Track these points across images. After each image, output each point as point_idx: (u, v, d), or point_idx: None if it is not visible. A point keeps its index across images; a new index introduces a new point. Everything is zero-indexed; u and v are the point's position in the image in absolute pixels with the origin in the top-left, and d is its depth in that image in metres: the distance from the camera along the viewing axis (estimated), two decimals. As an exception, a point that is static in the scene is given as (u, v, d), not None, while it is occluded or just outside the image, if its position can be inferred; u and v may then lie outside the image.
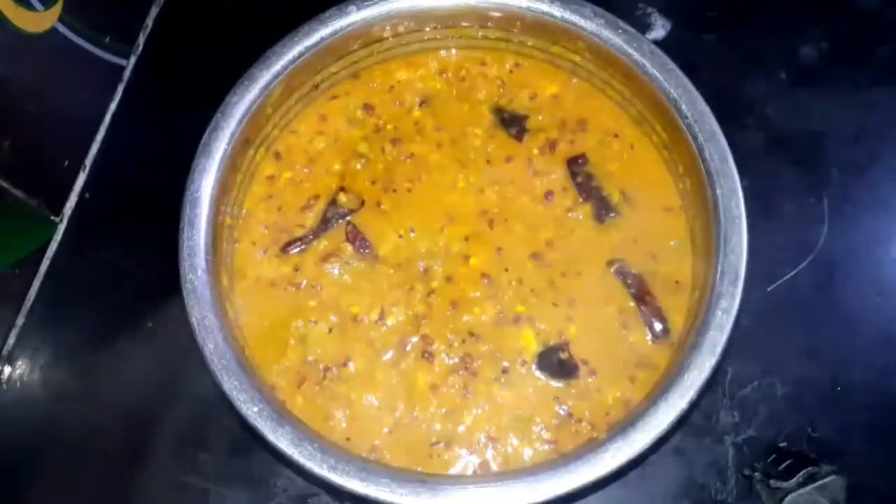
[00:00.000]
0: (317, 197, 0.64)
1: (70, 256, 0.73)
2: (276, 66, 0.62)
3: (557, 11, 0.62)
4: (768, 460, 0.61)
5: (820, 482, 0.58)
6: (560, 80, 0.67)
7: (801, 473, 0.58)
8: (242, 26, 0.77)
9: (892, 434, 0.63)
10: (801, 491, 0.57)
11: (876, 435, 0.63)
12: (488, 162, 0.65)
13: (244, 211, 0.64)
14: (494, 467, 0.57)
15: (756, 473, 0.61)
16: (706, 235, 0.58)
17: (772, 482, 0.59)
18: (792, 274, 0.67)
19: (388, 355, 0.60)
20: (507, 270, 0.62)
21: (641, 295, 0.60)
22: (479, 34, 0.67)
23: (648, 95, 0.61)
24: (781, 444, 0.63)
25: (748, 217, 0.56)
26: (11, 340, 0.71)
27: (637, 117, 0.65)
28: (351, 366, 0.60)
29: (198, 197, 0.59)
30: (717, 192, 0.57)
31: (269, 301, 0.62)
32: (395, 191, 0.64)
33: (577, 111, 0.66)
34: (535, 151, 0.65)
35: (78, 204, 0.75)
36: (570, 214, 0.63)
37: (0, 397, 0.70)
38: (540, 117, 0.66)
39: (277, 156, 0.66)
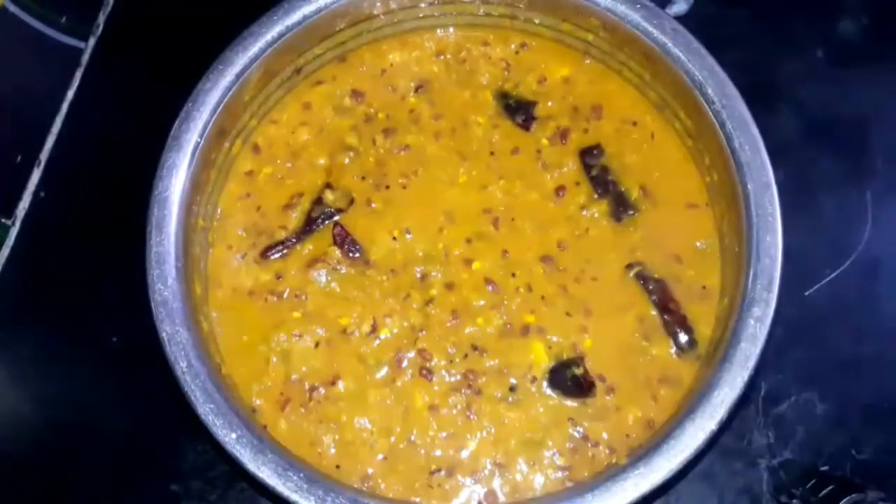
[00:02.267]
0: (300, 195, 0.65)
1: (23, 264, 0.73)
2: (254, 49, 0.62)
3: (568, -16, 0.62)
4: (808, 486, 0.61)
5: (866, 510, 0.58)
6: (571, 62, 0.67)
7: (845, 501, 0.58)
8: (216, 4, 0.77)
9: (947, 456, 0.64)
10: (845, 520, 0.58)
11: (929, 457, 0.64)
12: (492, 154, 0.65)
13: (219, 211, 0.64)
14: (502, 498, 0.57)
15: (794, 501, 0.61)
16: (736, 235, 0.58)
17: (812, 511, 0.59)
18: (832, 276, 0.67)
19: (382, 373, 0.60)
20: (514, 276, 0.62)
21: (664, 302, 0.60)
22: (481, 10, 0.67)
23: (670, 78, 0.61)
24: (822, 468, 0.63)
25: (783, 214, 0.56)
26: (-43, 358, 0.71)
27: (658, 103, 0.65)
28: (340, 385, 0.60)
29: (167, 196, 0.59)
30: (748, 186, 0.57)
31: (247, 313, 0.62)
32: (388, 187, 0.64)
33: (590, 96, 0.66)
34: (545, 142, 0.65)
35: (32, 204, 0.74)
36: (584, 212, 0.63)
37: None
38: (549, 103, 0.66)
39: (256, 149, 0.66)
